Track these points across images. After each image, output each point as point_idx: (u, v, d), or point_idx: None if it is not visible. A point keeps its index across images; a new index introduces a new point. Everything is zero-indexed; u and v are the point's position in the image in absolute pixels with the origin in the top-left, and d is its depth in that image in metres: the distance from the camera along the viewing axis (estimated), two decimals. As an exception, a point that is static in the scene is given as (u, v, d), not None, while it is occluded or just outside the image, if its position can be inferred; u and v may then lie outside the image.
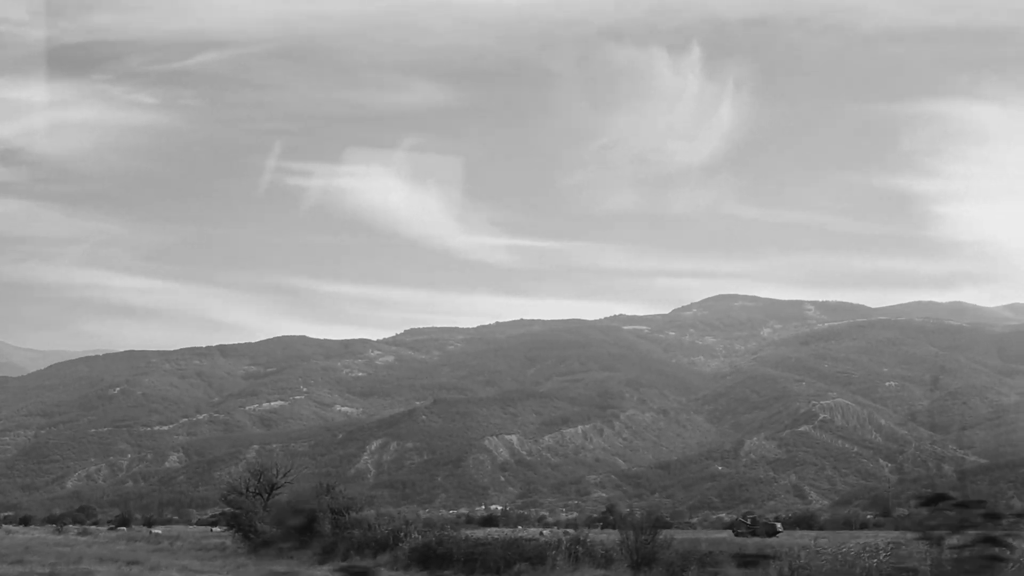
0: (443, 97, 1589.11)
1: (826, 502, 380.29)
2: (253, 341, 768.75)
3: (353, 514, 77.71)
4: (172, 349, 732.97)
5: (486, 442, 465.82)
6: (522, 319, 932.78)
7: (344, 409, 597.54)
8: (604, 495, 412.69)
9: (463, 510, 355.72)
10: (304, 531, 62.50)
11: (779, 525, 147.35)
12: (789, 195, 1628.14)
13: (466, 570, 53.84)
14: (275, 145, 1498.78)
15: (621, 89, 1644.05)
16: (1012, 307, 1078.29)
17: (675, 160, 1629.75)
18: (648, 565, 45.81)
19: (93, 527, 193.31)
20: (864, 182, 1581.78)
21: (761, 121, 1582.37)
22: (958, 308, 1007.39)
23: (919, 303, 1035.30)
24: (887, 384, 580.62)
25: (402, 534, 66.63)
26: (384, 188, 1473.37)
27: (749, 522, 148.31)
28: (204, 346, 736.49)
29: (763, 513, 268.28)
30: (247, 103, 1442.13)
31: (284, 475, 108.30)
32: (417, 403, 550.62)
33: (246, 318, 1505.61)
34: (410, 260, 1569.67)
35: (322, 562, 60.17)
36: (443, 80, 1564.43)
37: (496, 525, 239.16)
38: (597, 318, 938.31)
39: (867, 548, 45.80)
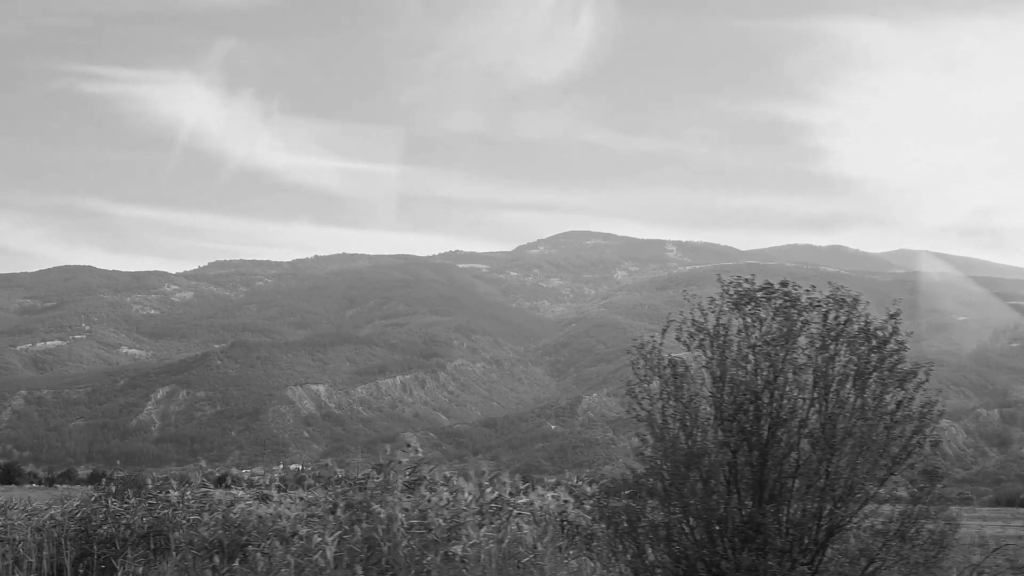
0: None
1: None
2: (31, 271, 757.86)
3: None
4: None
5: (289, 392, 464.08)
6: (344, 253, 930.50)
7: (131, 351, 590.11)
8: (421, 455, 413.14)
9: (258, 470, 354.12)
10: None
11: None
12: (653, 121, 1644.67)
13: None
14: (66, 45, 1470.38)
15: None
16: (899, 253, 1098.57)
17: (525, 77, 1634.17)
18: None
19: None
20: (738, 109, 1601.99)
21: (625, 35, 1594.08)
22: (838, 253, 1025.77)
23: (795, 246, 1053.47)
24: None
25: None
26: (192, 98, 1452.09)
27: None
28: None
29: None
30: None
31: None
32: (216, 346, 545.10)
33: (25, 243, 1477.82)
34: (220, 182, 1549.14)
35: None
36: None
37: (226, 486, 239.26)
38: (430, 254, 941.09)
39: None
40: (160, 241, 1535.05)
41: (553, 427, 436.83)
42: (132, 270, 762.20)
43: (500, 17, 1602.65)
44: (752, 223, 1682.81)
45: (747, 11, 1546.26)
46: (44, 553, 24.33)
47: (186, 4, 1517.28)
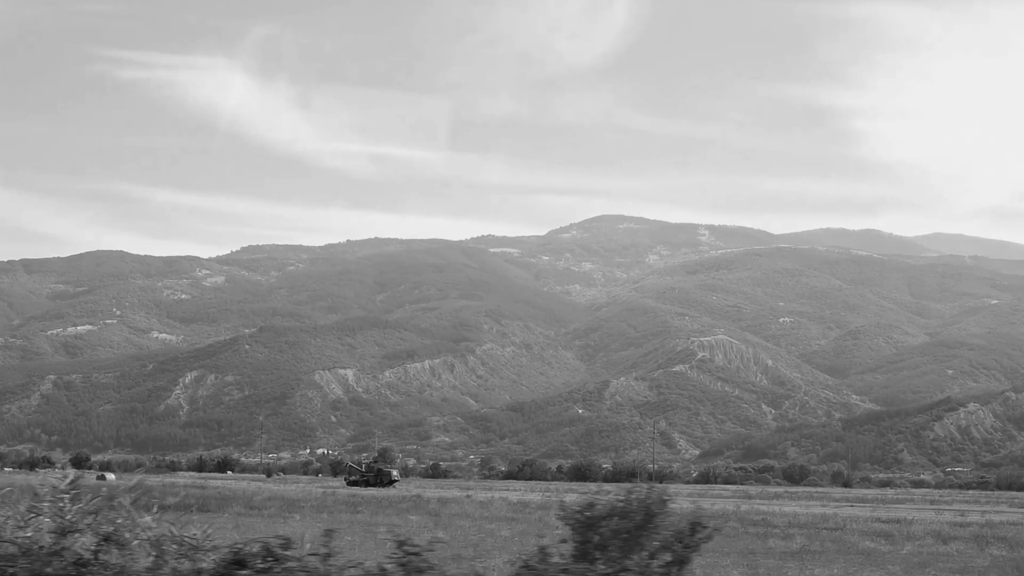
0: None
1: (696, 451, 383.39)
2: (64, 256, 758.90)
3: None
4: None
5: (316, 377, 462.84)
6: (377, 237, 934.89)
7: (162, 336, 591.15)
8: (447, 439, 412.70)
9: (284, 455, 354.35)
10: None
11: (396, 472, 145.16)
12: (689, 104, 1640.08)
13: None
14: (102, 31, 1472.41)
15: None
16: (933, 237, 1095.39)
17: (560, 61, 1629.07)
18: None
19: None
20: (775, 92, 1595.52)
21: (661, 18, 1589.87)
22: (872, 237, 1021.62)
23: (828, 230, 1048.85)
24: (781, 320, 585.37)
25: None
26: (228, 83, 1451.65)
27: (364, 468, 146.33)
28: (5, 260, 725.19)
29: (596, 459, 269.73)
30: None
31: None
32: (245, 331, 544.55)
33: (58, 228, 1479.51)
34: (254, 167, 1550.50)
35: None
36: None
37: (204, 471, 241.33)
38: (462, 238, 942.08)
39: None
40: (193, 226, 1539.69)
41: (580, 411, 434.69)
42: (164, 255, 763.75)
43: (538, 1, 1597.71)
44: (786, 207, 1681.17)
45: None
46: None
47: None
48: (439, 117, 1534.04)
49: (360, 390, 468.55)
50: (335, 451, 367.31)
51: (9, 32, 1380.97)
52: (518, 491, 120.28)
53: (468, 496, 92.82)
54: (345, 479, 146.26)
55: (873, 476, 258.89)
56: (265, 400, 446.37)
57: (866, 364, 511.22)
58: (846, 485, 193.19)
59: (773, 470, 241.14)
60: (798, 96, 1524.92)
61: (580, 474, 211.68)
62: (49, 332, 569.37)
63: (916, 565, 37.65)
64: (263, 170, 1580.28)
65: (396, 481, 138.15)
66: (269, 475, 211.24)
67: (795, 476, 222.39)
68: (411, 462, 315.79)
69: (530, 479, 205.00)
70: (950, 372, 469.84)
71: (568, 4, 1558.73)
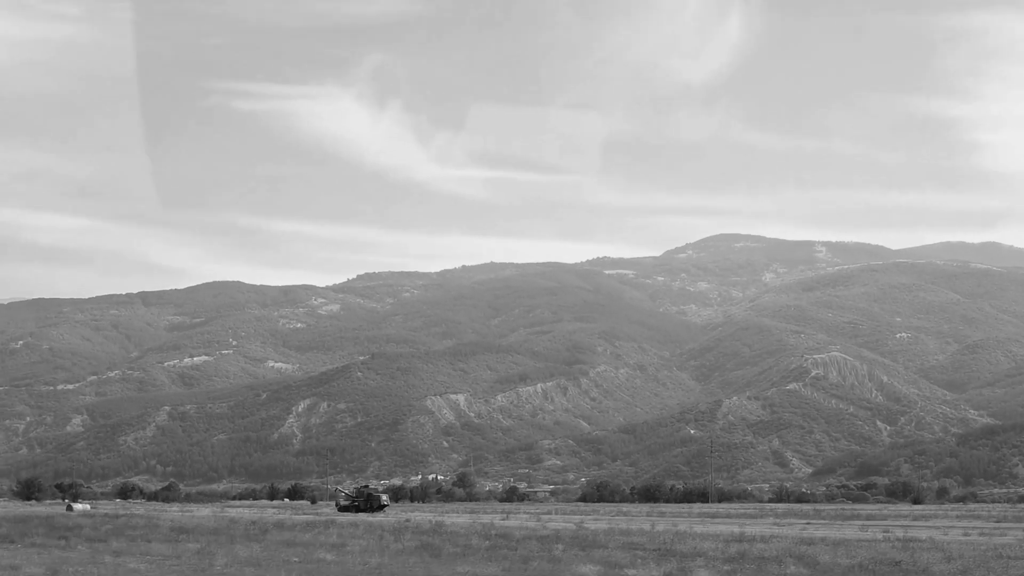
0: (412, 7, 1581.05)
1: (809, 470, 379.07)
2: (180, 287, 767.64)
3: None
4: (87, 297, 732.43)
5: (428, 402, 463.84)
6: (492, 262, 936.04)
7: (277, 365, 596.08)
8: (559, 462, 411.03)
9: (396, 481, 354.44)
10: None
11: (385, 497, 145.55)
12: (804, 120, 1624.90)
13: None
14: (218, 63, 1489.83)
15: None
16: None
17: (674, 78, 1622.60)
18: None
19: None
20: (891, 105, 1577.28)
21: (774, 34, 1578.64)
22: (992, 249, 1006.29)
23: (947, 244, 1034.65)
24: (898, 336, 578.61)
25: None
26: (342, 112, 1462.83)
27: (354, 493, 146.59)
28: (124, 293, 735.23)
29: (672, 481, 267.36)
30: (187, 14, 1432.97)
31: None
32: (359, 358, 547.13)
33: (175, 260, 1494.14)
34: (370, 194, 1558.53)
35: None
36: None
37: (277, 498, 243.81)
38: (577, 261, 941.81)
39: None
40: (309, 255, 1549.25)
41: (692, 432, 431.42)
42: (280, 284, 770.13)
43: (650, 20, 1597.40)
44: (905, 221, 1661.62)
45: (898, 5, 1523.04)
46: None
47: (334, 18, 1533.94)
48: (554, 139, 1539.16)
49: (472, 415, 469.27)
50: (445, 476, 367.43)
51: (126, 66, 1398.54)
52: (526, 515, 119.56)
53: (408, 521, 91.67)
54: (336, 504, 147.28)
55: (983, 492, 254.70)
56: (377, 427, 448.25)
57: (985, 378, 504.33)
58: (916, 501, 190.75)
59: (875, 487, 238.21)
60: (917, 108, 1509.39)
61: (650, 495, 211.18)
62: (166, 363, 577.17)
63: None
64: (379, 197, 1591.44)
65: (386, 506, 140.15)
66: (313, 502, 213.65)
67: (898, 492, 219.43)
68: (523, 485, 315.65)
69: (598, 501, 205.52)
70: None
71: (681, 22, 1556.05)
